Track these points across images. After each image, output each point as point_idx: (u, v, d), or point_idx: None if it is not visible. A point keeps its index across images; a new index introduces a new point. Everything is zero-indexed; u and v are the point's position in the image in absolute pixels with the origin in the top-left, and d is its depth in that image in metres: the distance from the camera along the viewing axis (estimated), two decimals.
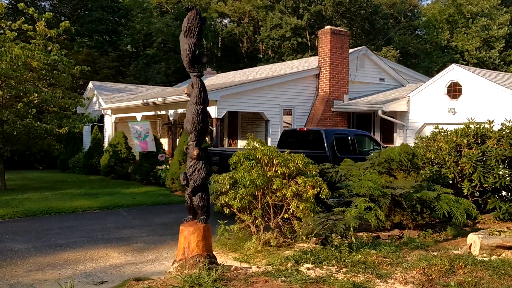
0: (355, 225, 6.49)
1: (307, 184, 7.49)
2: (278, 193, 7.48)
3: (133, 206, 12.62)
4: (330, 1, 30.76)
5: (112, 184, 16.61)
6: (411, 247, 7.22)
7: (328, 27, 17.52)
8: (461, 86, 14.88)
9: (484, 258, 6.16)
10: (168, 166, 16.09)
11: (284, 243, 7.86)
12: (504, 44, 45.27)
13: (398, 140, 16.44)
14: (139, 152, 17.41)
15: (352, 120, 18.08)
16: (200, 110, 5.20)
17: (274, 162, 7.70)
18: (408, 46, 42.02)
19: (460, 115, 14.74)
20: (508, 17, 45.27)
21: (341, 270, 5.45)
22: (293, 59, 31.88)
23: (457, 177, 9.81)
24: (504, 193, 10.38)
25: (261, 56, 38.58)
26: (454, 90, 15.05)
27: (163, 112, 18.39)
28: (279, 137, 16.72)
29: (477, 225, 9.70)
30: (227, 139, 19.19)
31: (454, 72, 15.12)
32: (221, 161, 10.95)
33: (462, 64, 44.11)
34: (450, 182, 9.89)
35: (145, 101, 18.28)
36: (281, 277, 5.10)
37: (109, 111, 21.74)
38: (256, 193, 7.80)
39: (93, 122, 15.69)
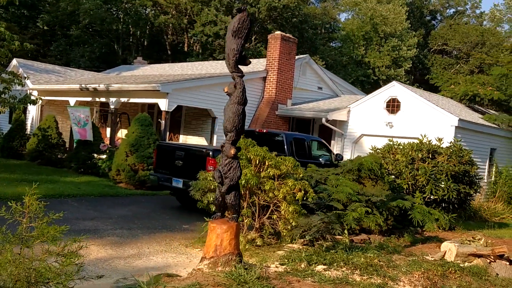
0: (355, 226, 6.89)
1: (296, 187, 7.78)
2: (270, 194, 7.67)
3: (80, 196, 12.03)
4: (265, 5, 31.34)
5: (45, 171, 15.58)
6: (388, 251, 7.78)
7: (278, 32, 17.98)
8: (399, 102, 16.07)
9: (462, 265, 6.87)
10: (109, 156, 15.48)
11: (265, 243, 8.07)
12: (411, 65, 49.04)
13: (336, 148, 17.31)
14: (75, 140, 16.53)
15: (292, 124, 18.69)
16: (241, 110, 5.26)
17: (266, 163, 7.87)
18: (326, 57, 44.00)
19: (396, 129, 15.92)
20: (416, 40, 49.07)
21: (355, 272, 5.79)
22: (224, 57, 31.95)
23: (411, 187, 10.67)
24: (444, 204, 11.48)
25: (185, 50, 38.16)
26: (393, 106, 16.21)
27: (102, 99, 17.61)
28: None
29: (424, 233, 10.62)
30: (168, 133, 18.84)
31: (395, 89, 16.29)
32: (188, 157, 10.84)
33: (373, 79, 47.28)
34: (404, 192, 10.73)
35: (83, 85, 17.38)
36: (308, 278, 5.33)
37: (35, 92, 20.29)
38: (243, 192, 7.92)
39: (35, 103, 14.62)
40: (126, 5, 33.82)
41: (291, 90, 18.37)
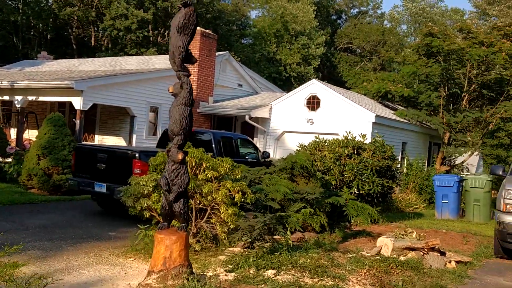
0: (299, 228, 6.83)
1: (234, 188, 7.55)
2: (209, 197, 7.37)
3: None
4: (178, 0, 30.60)
5: None
6: (325, 249, 7.82)
7: (198, 28, 17.52)
8: (319, 99, 16.43)
9: (400, 259, 7.07)
10: (17, 160, 14.18)
11: (203, 248, 7.75)
12: (319, 62, 50.64)
13: (259, 145, 17.31)
14: None
15: (214, 122, 18.42)
16: (188, 112, 4.94)
17: (203, 165, 7.56)
18: (240, 54, 44.10)
19: (317, 125, 16.27)
20: (324, 38, 50.75)
21: (305, 275, 5.71)
22: (137, 53, 30.81)
23: (339, 183, 10.89)
24: (368, 198, 11.87)
25: (92, 44, 36.25)
26: (313, 103, 16.54)
27: (5, 97, 16.12)
28: (144, 134, 16.20)
29: (353, 227, 10.90)
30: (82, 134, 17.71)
31: (314, 86, 16.63)
32: (112, 160, 10.17)
33: (285, 76, 48.28)
34: (333, 187, 10.91)
35: None
36: (261, 285, 5.14)
37: None
38: None
39: None
40: None
41: (212, 87, 18.09)
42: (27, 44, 33.61)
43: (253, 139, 17.72)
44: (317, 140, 11.77)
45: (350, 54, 57.40)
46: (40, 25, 33.46)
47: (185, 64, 5.01)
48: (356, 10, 62.59)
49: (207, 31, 17.95)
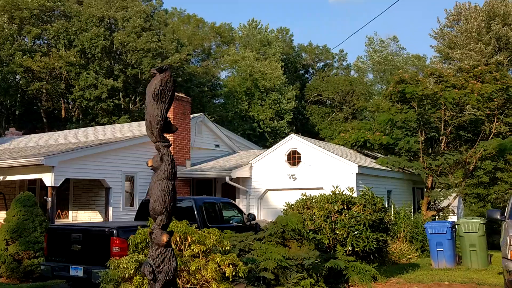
0: None
1: (225, 262, 6.91)
2: (198, 275, 6.69)
3: None
4: (148, 65, 30.65)
5: None
6: None
7: None
8: (300, 154, 16.09)
9: None
10: None
11: None
12: (292, 116, 51.03)
13: (241, 205, 16.69)
14: None
15: (193, 186, 17.80)
16: (171, 187, 4.41)
17: (189, 239, 6.93)
18: (213, 114, 44.09)
19: (300, 181, 15.82)
20: (294, 93, 51.49)
21: None
22: (108, 122, 30.31)
23: (332, 242, 10.31)
24: (362, 254, 11.26)
25: (62, 116, 35.67)
26: (294, 158, 16.18)
27: None
28: (121, 206, 15.43)
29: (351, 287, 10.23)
30: (55, 211, 16.79)
31: (293, 141, 16.33)
32: (87, 239, 9.39)
33: (259, 132, 48.32)
34: (326, 247, 10.32)
35: None
36: None
37: None
38: None
39: None
40: None
41: (189, 150, 17.61)
42: None
43: (235, 200, 17.10)
44: (304, 197, 11.28)
45: (320, 105, 58.08)
46: (8, 101, 32.85)
47: (164, 134, 4.51)
48: (322, 63, 64.08)
49: (180, 94, 17.68)
